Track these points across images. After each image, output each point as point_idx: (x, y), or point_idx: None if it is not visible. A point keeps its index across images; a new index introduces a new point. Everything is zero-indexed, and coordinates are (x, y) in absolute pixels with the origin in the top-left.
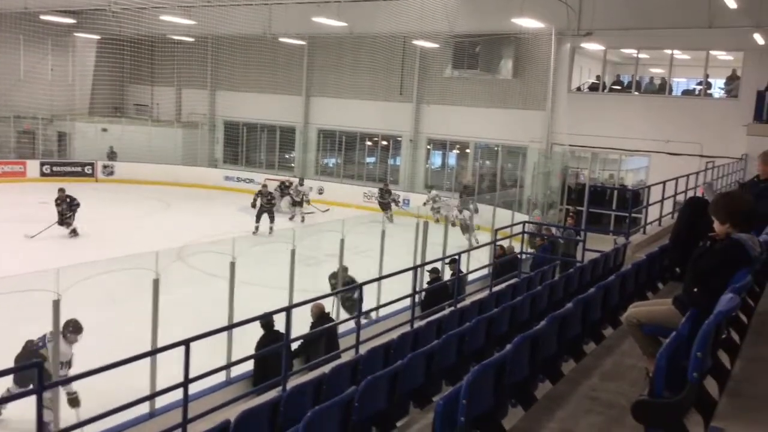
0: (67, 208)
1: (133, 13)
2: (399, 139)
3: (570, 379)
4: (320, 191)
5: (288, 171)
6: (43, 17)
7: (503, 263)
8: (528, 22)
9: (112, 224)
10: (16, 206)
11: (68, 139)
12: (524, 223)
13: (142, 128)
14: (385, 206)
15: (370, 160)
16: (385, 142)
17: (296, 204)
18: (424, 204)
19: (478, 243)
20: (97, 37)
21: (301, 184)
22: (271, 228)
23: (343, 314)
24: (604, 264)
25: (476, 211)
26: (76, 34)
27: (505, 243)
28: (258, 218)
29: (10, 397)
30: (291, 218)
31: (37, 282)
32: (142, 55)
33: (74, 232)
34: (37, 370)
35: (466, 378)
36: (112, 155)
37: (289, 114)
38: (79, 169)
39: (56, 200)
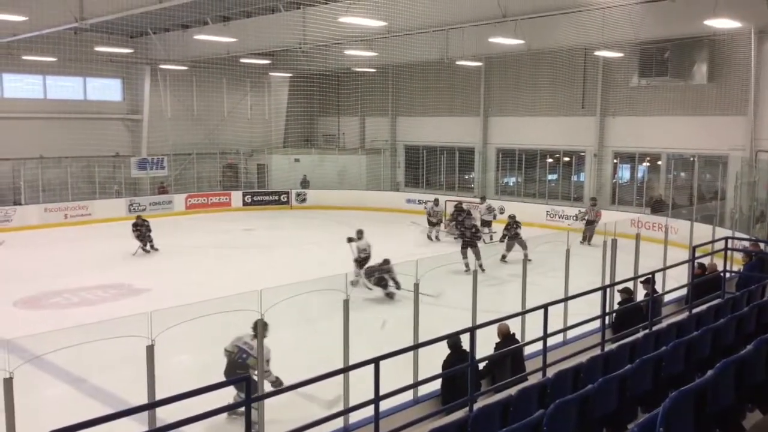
0: (146, 231)
1: (320, 50)
2: (582, 154)
3: None
4: (501, 210)
5: (468, 192)
6: (242, 60)
7: (704, 283)
8: (723, 23)
9: (306, 248)
10: (224, 233)
11: (266, 171)
12: (727, 239)
13: (330, 157)
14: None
15: (551, 177)
16: (567, 158)
17: (483, 224)
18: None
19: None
20: (290, 74)
21: (483, 203)
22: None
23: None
24: None
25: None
26: (271, 74)
27: (705, 260)
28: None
29: (234, 405)
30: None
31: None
32: (329, 89)
33: (147, 250)
34: (245, 384)
35: (663, 405)
36: (305, 183)
37: (467, 135)
38: (275, 197)
39: (135, 225)
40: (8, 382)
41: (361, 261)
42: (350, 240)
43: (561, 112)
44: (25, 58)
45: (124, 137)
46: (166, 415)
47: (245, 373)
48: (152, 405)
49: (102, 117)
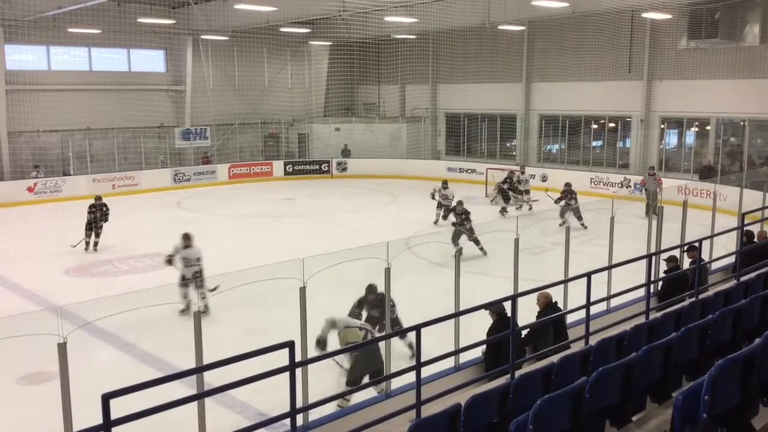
0: (101, 217)
1: (360, 18)
2: (628, 119)
3: None
4: (544, 178)
5: (509, 159)
6: (282, 29)
7: (752, 251)
8: None
9: (347, 217)
10: (266, 202)
11: (307, 140)
12: None
13: (370, 126)
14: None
15: (596, 143)
16: (612, 124)
17: (521, 192)
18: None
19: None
20: (329, 43)
21: (523, 172)
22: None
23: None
24: None
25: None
26: (311, 43)
27: (754, 228)
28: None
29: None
30: (518, 207)
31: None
32: (369, 57)
33: (91, 245)
34: (288, 350)
35: (708, 373)
36: (346, 152)
37: (509, 102)
38: (316, 167)
39: (91, 207)
40: (62, 347)
41: (444, 207)
42: (435, 191)
43: (606, 76)
44: (70, 30)
45: (168, 108)
46: (212, 379)
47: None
48: (200, 369)
49: (146, 88)
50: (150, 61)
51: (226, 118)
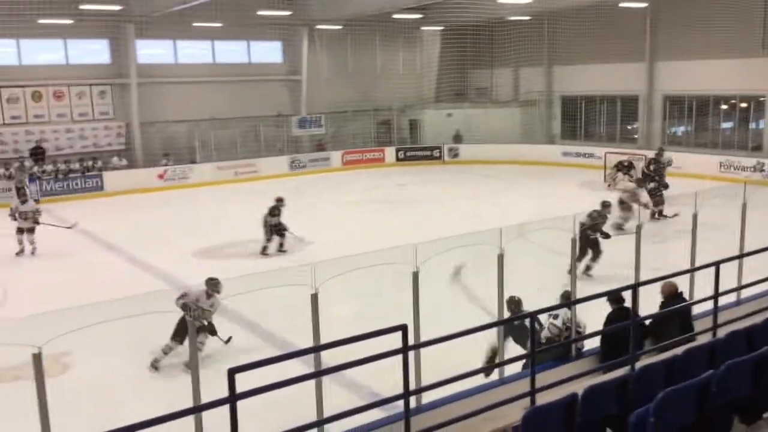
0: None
1: (473, 1)
2: (762, 99)
3: None
4: (669, 163)
5: (630, 143)
6: (394, 16)
7: None
8: None
9: (459, 203)
10: (379, 188)
11: (418, 126)
12: None
13: (482, 110)
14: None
15: (726, 125)
16: (744, 104)
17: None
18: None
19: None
20: (441, 28)
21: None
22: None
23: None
24: None
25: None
26: (423, 28)
27: None
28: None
29: None
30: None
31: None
32: (482, 40)
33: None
34: (402, 333)
35: None
36: (457, 138)
37: (630, 83)
38: (428, 153)
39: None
40: (191, 324)
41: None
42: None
43: (738, 53)
44: (195, 24)
45: (285, 97)
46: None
47: None
48: (318, 348)
49: (264, 79)
50: (268, 52)
51: (339, 105)
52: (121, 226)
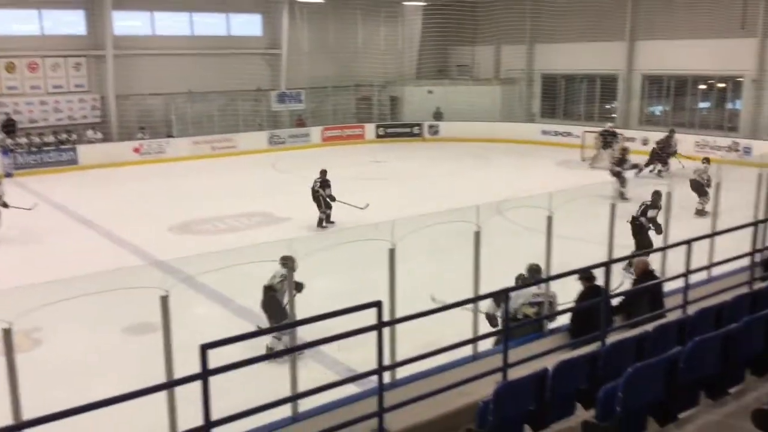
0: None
1: None
2: (739, 79)
3: None
4: (644, 142)
5: (608, 122)
6: None
7: None
8: None
9: (437, 181)
10: (358, 165)
11: (399, 103)
12: None
13: (463, 88)
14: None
15: (703, 105)
16: (722, 85)
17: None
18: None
19: None
20: (424, 3)
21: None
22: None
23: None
24: None
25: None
26: (404, 3)
27: None
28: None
29: None
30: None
31: (375, 233)
32: (464, 17)
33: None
34: (377, 310)
35: None
36: (438, 115)
37: (610, 62)
38: (408, 130)
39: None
40: (164, 300)
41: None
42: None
43: (716, 33)
44: None
45: (265, 72)
46: (303, 334)
47: None
48: (293, 324)
49: (244, 52)
50: (248, 25)
51: (319, 81)
52: (95, 200)
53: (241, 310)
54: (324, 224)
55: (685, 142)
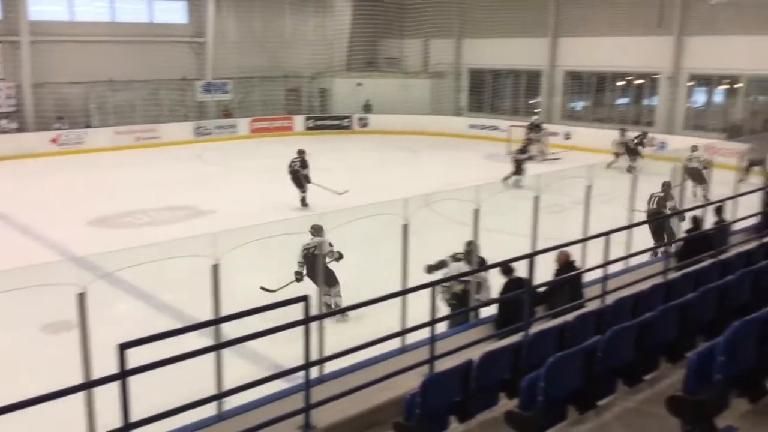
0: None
1: None
2: (656, 76)
3: None
4: (567, 136)
5: (534, 116)
6: None
7: None
8: None
9: (367, 173)
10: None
11: (328, 95)
12: None
13: (392, 81)
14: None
15: (622, 101)
16: (639, 81)
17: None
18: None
19: None
20: None
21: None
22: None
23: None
24: None
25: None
26: None
27: None
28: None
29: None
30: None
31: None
32: (393, 10)
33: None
34: (303, 304)
35: (725, 333)
36: (367, 108)
37: (534, 58)
38: (337, 122)
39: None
40: (81, 297)
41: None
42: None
43: (635, 31)
44: None
45: (190, 61)
46: (229, 331)
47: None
48: (218, 321)
49: (168, 40)
50: (172, 12)
51: (247, 71)
52: (10, 193)
53: (163, 306)
54: (306, 203)
55: (606, 137)
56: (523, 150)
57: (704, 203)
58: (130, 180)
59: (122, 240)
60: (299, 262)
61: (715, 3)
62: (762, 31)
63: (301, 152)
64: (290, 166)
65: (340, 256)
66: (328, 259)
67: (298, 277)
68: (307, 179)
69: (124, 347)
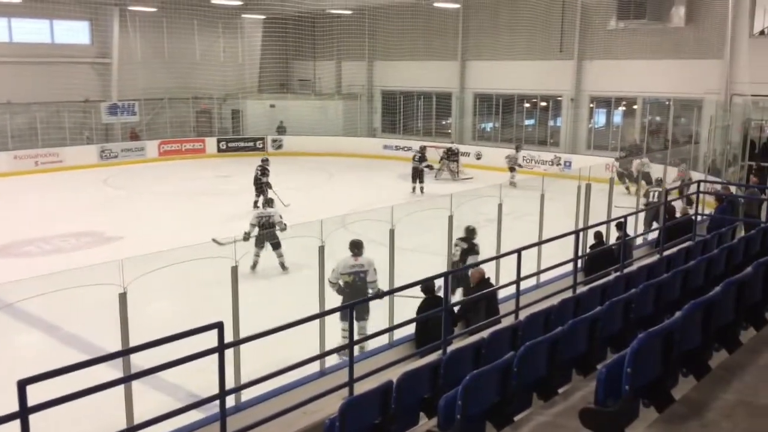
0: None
1: None
2: (559, 99)
3: (749, 348)
4: (478, 156)
5: (445, 137)
6: (213, 1)
7: (675, 226)
8: None
9: (283, 195)
10: (200, 180)
11: (241, 116)
12: (699, 182)
13: (305, 102)
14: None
15: (528, 122)
16: (544, 103)
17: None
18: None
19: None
20: (263, 17)
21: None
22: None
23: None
24: None
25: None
26: (244, 16)
27: (677, 204)
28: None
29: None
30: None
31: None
32: (304, 32)
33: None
34: (218, 331)
35: (631, 346)
36: (281, 129)
37: (444, 80)
38: (251, 144)
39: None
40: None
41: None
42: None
43: (539, 56)
44: None
45: (94, 82)
46: (141, 361)
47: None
48: (126, 352)
49: (70, 61)
50: (74, 32)
51: (155, 92)
52: None
53: (69, 337)
54: (258, 206)
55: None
56: (421, 159)
57: (607, 220)
58: (32, 206)
59: (24, 270)
60: (251, 224)
61: (611, 29)
62: (655, 56)
63: (265, 160)
64: (255, 174)
65: (285, 227)
66: (277, 228)
67: (246, 236)
68: (269, 185)
69: (24, 384)
